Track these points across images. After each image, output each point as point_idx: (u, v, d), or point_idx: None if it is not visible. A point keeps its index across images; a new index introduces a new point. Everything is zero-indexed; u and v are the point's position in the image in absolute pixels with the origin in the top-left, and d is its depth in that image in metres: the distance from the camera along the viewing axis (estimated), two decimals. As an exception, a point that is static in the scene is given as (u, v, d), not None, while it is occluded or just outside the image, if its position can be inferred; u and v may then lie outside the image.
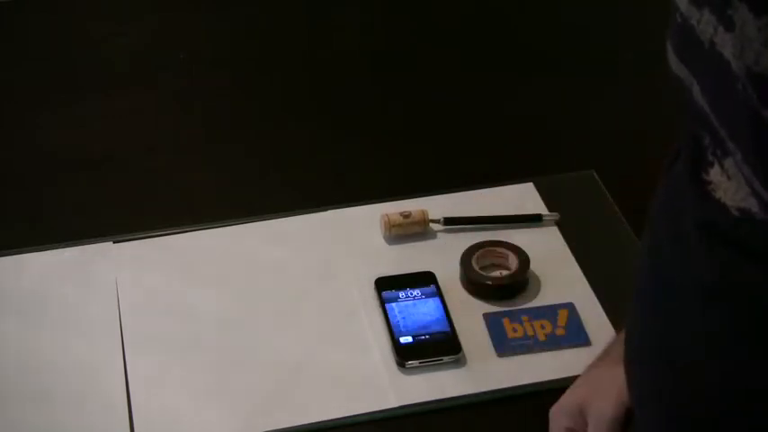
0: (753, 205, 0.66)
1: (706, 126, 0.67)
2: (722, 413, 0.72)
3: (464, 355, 1.11)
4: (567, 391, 1.00)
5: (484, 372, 1.10)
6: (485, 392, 1.08)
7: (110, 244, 1.25)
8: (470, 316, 1.15)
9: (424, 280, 1.18)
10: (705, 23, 0.64)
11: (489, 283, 1.18)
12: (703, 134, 0.68)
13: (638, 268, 0.81)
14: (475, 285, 1.18)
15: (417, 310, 1.15)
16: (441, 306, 1.15)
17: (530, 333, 1.13)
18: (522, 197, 1.30)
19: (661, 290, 0.76)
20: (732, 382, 0.70)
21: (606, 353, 1.01)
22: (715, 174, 0.68)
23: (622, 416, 0.95)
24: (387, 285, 1.18)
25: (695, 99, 0.67)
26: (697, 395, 0.74)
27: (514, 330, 1.13)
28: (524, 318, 1.14)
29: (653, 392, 0.79)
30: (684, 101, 0.68)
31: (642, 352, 0.80)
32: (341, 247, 1.24)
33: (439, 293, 1.17)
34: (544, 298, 1.17)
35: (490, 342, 1.12)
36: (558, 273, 1.20)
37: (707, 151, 0.68)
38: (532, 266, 1.19)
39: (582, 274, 1.20)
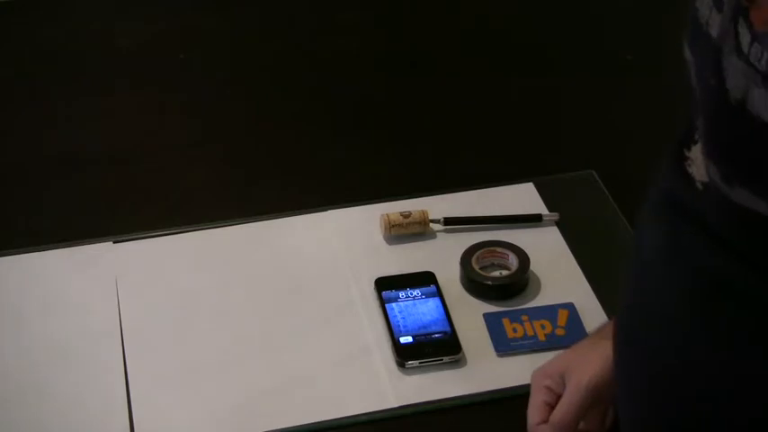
0: (709, 178, 0.68)
1: (695, 106, 0.69)
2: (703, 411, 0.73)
3: (464, 355, 1.11)
4: (552, 358, 1.03)
5: (484, 372, 1.10)
6: (485, 392, 1.08)
7: (110, 244, 1.25)
8: (470, 316, 1.15)
9: (424, 280, 1.18)
10: (705, 7, 0.66)
11: (489, 283, 1.18)
12: (696, 114, 0.69)
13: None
14: (475, 285, 1.18)
15: (417, 310, 1.15)
16: (441, 306, 1.15)
17: (530, 333, 1.13)
18: (522, 197, 1.30)
19: (638, 269, 0.78)
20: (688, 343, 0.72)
21: (596, 330, 1.04)
22: (695, 151, 0.70)
23: (601, 385, 0.97)
24: (387, 285, 1.18)
25: (692, 81, 0.68)
26: (671, 384, 0.74)
27: (514, 330, 1.13)
28: (524, 318, 1.14)
29: (631, 387, 0.80)
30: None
31: (620, 339, 0.81)
32: (341, 247, 1.24)
33: (439, 293, 1.17)
34: (544, 298, 1.17)
35: (490, 342, 1.12)
36: (558, 273, 1.20)
37: (694, 131, 0.70)
38: (532, 266, 1.19)
39: (582, 274, 1.20)
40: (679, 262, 0.72)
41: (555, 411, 0.99)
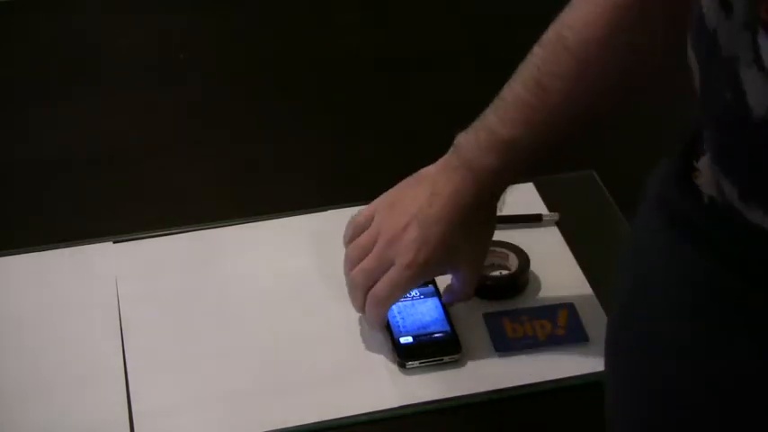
0: (720, 194, 0.66)
1: (703, 116, 0.67)
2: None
3: (464, 355, 1.11)
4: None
5: (484, 372, 1.10)
6: (485, 392, 1.08)
7: (110, 244, 1.25)
8: (470, 316, 1.15)
9: (423, 280, 1.18)
10: (712, 12, 0.63)
11: (489, 283, 1.18)
12: (705, 125, 0.68)
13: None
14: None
15: (417, 310, 1.15)
16: (440, 306, 1.15)
17: (530, 333, 1.13)
18: (522, 197, 1.30)
19: (638, 280, 0.78)
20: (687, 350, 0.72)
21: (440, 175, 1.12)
22: (703, 162, 0.69)
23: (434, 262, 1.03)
24: (387, 285, 1.18)
25: (696, 88, 0.67)
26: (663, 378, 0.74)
27: (514, 330, 1.13)
28: (524, 318, 1.14)
29: (631, 400, 0.80)
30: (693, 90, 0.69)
31: (622, 359, 0.81)
32: (341, 247, 1.24)
33: (439, 293, 1.17)
34: (544, 298, 1.17)
35: (490, 342, 1.12)
36: (558, 273, 1.20)
37: (702, 141, 0.69)
38: (532, 266, 1.19)
39: (582, 274, 1.20)
40: (680, 275, 0.71)
41: (379, 285, 1.04)
